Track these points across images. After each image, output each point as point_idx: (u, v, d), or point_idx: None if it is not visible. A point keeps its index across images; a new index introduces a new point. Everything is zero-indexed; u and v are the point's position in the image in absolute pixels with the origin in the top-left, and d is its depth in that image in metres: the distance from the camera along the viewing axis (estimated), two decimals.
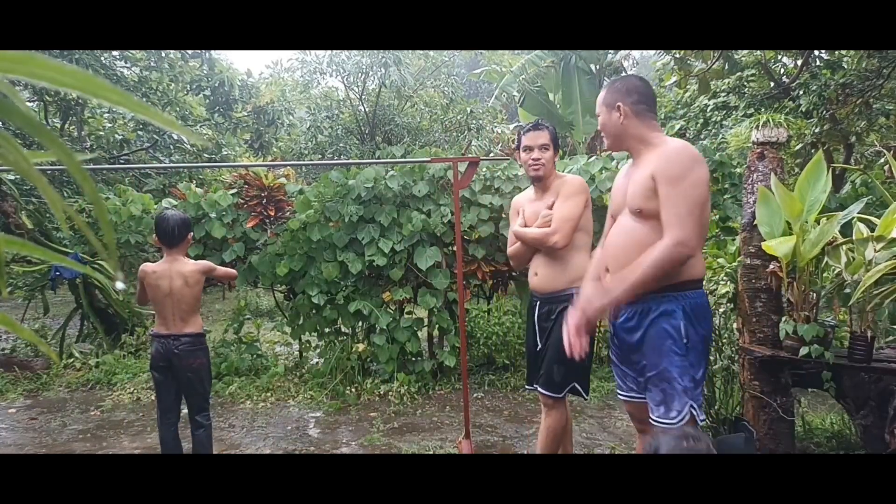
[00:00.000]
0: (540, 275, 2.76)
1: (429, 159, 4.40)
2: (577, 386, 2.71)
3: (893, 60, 5.33)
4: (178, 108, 9.63)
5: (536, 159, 2.75)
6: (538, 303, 2.80)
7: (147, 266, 2.98)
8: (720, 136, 6.95)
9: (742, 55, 6.94)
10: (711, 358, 3.46)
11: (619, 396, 2.36)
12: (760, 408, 3.06)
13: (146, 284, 2.95)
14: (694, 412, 2.01)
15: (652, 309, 2.06)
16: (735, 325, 3.37)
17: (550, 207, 2.72)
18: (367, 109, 11.73)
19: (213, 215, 5.14)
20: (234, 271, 3.36)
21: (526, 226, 2.79)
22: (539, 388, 2.76)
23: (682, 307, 2.03)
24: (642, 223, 2.06)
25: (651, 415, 2.08)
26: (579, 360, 2.62)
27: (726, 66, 6.94)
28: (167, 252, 2.98)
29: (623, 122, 2.13)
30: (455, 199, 3.52)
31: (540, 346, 2.79)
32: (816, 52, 6.03)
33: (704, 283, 3.87)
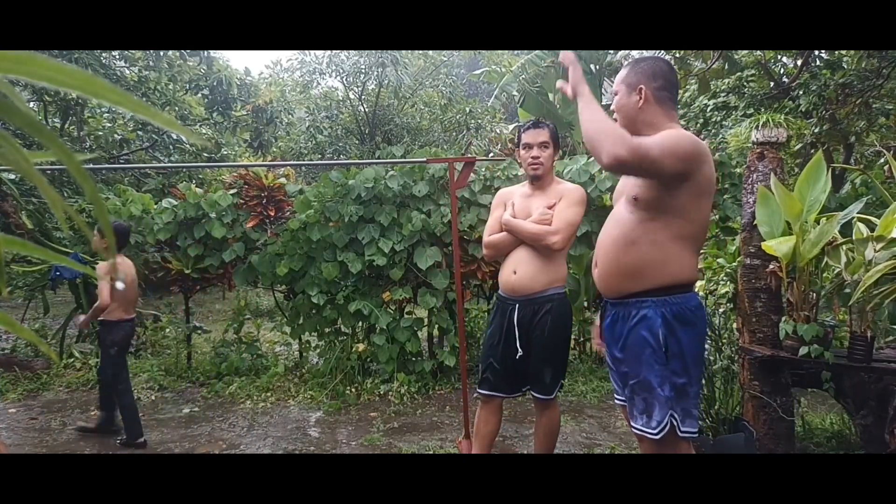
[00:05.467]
0: (520, 273, 2.71)
1: (426, 160, 4.39)
2: (562, 382, 2.89)
3: (893, 60, 5.32)
4: (177, 108, 9.61)
5: (536, 157, 2.73)
6: (517, 305, 2.74)
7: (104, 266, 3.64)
8: (720, 136, 6.94)
9: (742, 55, 6.93)
10: (711, 358, 3.45)
11: (615, 400, 2.27)
12: (760, 408, 3.06)
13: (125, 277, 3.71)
14: (675, 422, 1.90)
15: (631, 314, 1.97)
16: (735, 325, 3.37)
17: (550, 208, 2.70)
18: (366, 109, 11.72)
19: (212, 215, 5.14)
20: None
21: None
22: (533, 393, 2.80)
23: (663, 314, 1.92)
24: (632, 213, 1.96)
25: (634, 423, 1.99)
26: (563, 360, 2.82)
27: (726, 66, 6.94)
28: (119, 253, 3.66)
29: (641, 106, 1.99)
30: (452, 199, 3.52)
31: (521, 351, 2.73)
32: (816, 52, 6.03)
33: (705, 283, 3.90)
